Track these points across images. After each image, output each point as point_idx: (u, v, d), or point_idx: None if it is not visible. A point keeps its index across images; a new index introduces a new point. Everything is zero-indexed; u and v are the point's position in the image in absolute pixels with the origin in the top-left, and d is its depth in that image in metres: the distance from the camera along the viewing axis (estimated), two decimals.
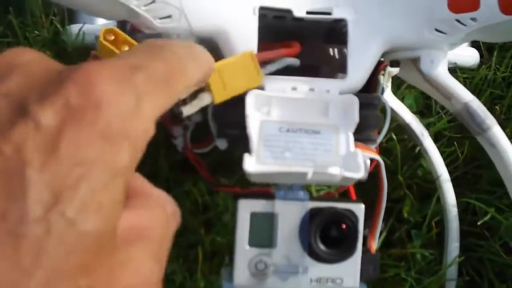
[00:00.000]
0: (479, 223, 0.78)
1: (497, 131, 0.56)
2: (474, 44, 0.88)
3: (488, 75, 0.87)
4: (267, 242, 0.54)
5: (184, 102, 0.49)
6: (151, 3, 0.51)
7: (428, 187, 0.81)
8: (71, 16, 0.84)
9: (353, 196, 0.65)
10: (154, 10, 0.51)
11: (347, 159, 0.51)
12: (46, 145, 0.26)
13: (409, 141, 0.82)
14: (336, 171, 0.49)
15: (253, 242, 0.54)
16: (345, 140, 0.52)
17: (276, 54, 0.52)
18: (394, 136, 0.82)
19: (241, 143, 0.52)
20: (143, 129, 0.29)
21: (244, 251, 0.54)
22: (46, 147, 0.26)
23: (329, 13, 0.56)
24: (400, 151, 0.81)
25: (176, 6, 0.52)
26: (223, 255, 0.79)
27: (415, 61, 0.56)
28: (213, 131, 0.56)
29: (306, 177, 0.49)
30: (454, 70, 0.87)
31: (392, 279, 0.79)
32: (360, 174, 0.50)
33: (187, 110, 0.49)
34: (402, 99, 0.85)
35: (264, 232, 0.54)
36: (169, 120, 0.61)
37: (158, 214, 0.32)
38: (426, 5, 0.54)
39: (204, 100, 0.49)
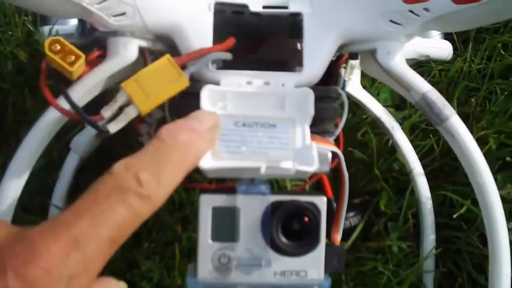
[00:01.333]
0: (455, 215, 0.78)
1: (455, 121, 0.56)
2: (448, 37, 0.87)
3: (463, 67, 0.87)
4: (229, 236, 0.54)
5: (111, 119, 0.49)
6: (103, 1, 0.51)
7: (404, 180, 0.81)
8: (44, 16, 0.84)
9: (327, 188, 0.65)
10: (108, 8, 0.51)
11: (302, 152, 0.51)
12: None
13: (385, 135, 0.81)
14: (288, 165, 0.49)
15: (215, 237, 0.54)
16: (301, 133, 0.52)
17: (199, 53, 0.52)
18: (369, 130, 0.81)
19: None
20: None
21: (207, 246, 0.54)
22: None
23: (285, 7, 0.55)
24: (376, 144, 0.81)
25: (129, 3, 0.52)
26: None
27: (373, 53, 0.56)
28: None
29: (260, 171, 0.49)
30: (429, 62, 0.87)
31: (370, 272, 0.79)
32: (314, 167, 0.49)
33: (113, 127, 0.50)
34: (377, 93, 0.84)
35: (226, 226, 0.54)
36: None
37: None
38: None
39: (130, 113, 0.49)
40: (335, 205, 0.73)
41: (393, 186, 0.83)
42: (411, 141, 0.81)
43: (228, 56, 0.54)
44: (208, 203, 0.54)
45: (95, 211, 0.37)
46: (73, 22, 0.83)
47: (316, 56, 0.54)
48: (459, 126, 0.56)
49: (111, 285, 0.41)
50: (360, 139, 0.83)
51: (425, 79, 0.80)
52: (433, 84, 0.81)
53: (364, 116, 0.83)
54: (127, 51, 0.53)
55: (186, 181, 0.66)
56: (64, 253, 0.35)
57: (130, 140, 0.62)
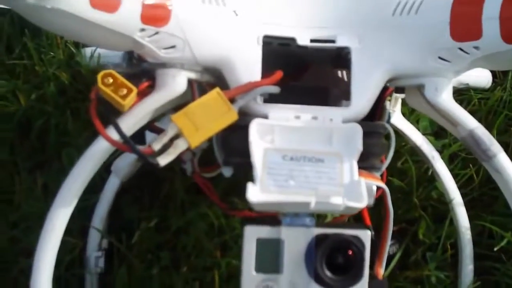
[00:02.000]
0: (496, 248, 0.77)
1: (502, 158, 0.56)
2: None
3: (503, 96, 0.86)
4: (273, 268, 0.54)
5: (161, 151, 0.49)
6: (154, 34, 0.51)
7: (443, 209, 0.80)
8: None
9: (367, 219, 0.65)
10: (158, 41, 0.52)
11: (350, 188, 0.51)
12: None
13: (424, 163, 0.81)
14: (338, 201, 0.49)
15: (259, 268, 0.54)
16: (349, 169, 0.52)
17: (248, 87, 0.52)
18: (408, 158, 0.81)
19: (246, 171, 0.52)
20: None
21: (250, 277, 0.54)
22: None
23: (333, 41, 0.56)
24: (415, 172, 0.81)
25: (180, 36, 0.52)
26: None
27: (420, 88, 0.56)
28: (218, 159, 0.56)
29: (309, 207, 0.49)
30: (468, 90, 0.86)
31: None
32: (363, 203, 0.49)
33: (164, 160, 0.50)
34: (417, 121, 0.84)
35: (270, 258, 0.54)
36: None
37: None
38: (429, 34, 0.54)
39: (180, 146, 0.50)
40: (372, 233, 0.73)
41: (431, 214, 0.82)
42: (451, 170, 0.80)
43: (276, 90, 0.54)
44: (252, 235, 0.54)
45: None
46: None
47: (363, 91, 0.54)
48: (507, 163, 0.55)
49: None
50: (399, 167, 0.83)
51: (465, 107, 0.81)
52: (473, 113, 0.82)
53: (403, 144, 0.83)
54: (176, 83, 0.54)
55: (227, 208, 0.67)
56: None
57: (171, 162, 0.62)
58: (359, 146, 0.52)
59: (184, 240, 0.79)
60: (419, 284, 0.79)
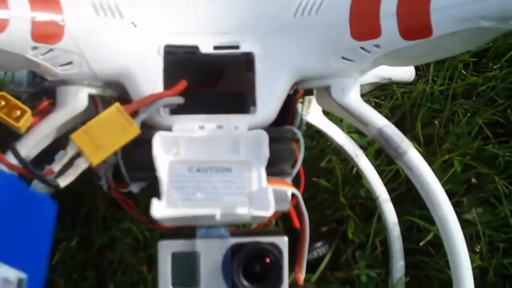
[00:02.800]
0: (422, 243, 0.78)
1: (412, 155, 0.56)
2: None
3: (425, 89, 0.87)
4: (190, 281, 0.54)
5: (60, 172, 0.49)
6: (48, 51, 0.50)
7: (372, 206, 0.81)
8: None
9: (295, 221, 0.65)
10: (53, 58, 0.51)
11: (258, 196, 0.51)
12: None
13: (350, 161, 0.81)
14: (244, 211, 0.49)
15: (176, 283, 0.53)
16: (257, 176, 0.52)
17: (149, 99, 0.52)
18: (333, 157, 0.81)
19: (154, 186, 0.52)
20: None
21: None
22: None
23: (237, 47, 0.55)
24: (340, 172, 0.81)
25: (75, 52, 0.51)
26: None
27: (327, 90, 0.56)
28: (124, 175, 0.55)
29: (215, 219, 0.48)
30: (391, 85, 0.87)
31: None
32: (269, 211, 0.49)
33: (64, 182, 0.49)
34: (340, 120, 0.84)
35: (187, 271, 0.54)
36: None
37: None
38: (330, 35, 0.54)
39: (81, 166, 0.49)
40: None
41: (360, 213, 0.83)
42: (377, 166, 0.81)
43: (179, 100, 0.54)
44: (167, 249, 0.53)
45: None
46: None
47: (269, 96, 0.54)
48: (417, 160, 0.56)
49: None
50: (325, 167, 0.83)
51: (388, 102, 0.82)
52: (396, 106, 0.83)
53: (329, 143, 0.83)
54: (77, 99, 0.53)
55: (147, 221, 0.67)
56: None
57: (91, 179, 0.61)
58: (266, 153, 0.52)
59: (109, 256, 0.78)
60: (349, 284, 0.78)
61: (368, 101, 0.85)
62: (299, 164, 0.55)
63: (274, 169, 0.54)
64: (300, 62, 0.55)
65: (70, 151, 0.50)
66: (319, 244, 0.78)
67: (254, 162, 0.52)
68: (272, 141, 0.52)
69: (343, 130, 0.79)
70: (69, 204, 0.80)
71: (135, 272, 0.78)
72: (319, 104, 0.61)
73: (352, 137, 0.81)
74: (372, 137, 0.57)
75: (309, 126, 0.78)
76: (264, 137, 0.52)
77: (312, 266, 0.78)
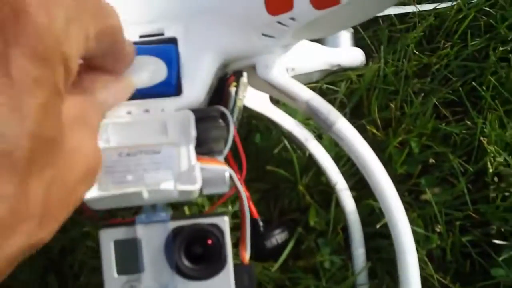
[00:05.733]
0: (378, 225, 0.80)
1: (342, 125, 0.59)
2: (360, 43, 0.90)
3: (379, 72, 0.90)
4: (134, 267, 0.57)
5: None
6: None
7: (333, 193, 0.83)
8: None
9: (254, 212, 0.68)
10: None
11: (186, 173, 0.53)
12: None
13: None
14: (169, 186, 0.52)
15: (120, 270, 0.57)
16: (186, 155, 0.55)
17: None
18: (288, 145, 0.84)
19: None
20: (75, 52, 0.36)
21: (113, 280, 0.57)
22: None
23: (161, 34, 0.58)
24: (297, 160, 0.83)
25: None
26: None
27: (254, 68, 0.59)
28: None
29: (144, 197, 0.51)
30: (345, 69, 0.89)
31: None
32: (196, 186, 0.52)
33: None
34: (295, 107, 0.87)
35: (130, 258, 0.57)
36: None
37: (94, 102, 0.42)
38: (247, 13, 0.57)
39: None
40: (261, 224, 0.76)
41: (321, 200, 0.85)
42: (336, 153, 0.84)
43: None
44: (108, 237, 0.56)
45: None
46: None
47: (194, 78, 0.57)
48: (346, 129, 0.59)
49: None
50: (284, 156, 0.86)
51: (344, 86, 0.85)
52: (352, 90, 0.86)
53: (285, 133, 0.85)
54: None
55: (96, 216, 0.69)
56: None
57: None
58: (192, 132, 0.54)
59: (69, 260, 0.81)
60: (312, 272, 0.81)
61: (321, 88, 0.88)
62: (229, 142, 0.58)
63: (204, 148, 0.56)
64: (223, 42, 0.58)
65: None
66: (277, 231, 0.80)
67: (182, 142, 0.55)
68: (199, 120, 0.55)
69: (298, 117, 0.82)
70: None
71: (97, 274, 0.80)
72: (252, 85, 0.64)
73: (309, 124, 0.83)
74: (303, 112, 0.60)
75: (264, 117, 0.81)
76: (190, 116, 0.55)
77: (273, 254, 0.80)
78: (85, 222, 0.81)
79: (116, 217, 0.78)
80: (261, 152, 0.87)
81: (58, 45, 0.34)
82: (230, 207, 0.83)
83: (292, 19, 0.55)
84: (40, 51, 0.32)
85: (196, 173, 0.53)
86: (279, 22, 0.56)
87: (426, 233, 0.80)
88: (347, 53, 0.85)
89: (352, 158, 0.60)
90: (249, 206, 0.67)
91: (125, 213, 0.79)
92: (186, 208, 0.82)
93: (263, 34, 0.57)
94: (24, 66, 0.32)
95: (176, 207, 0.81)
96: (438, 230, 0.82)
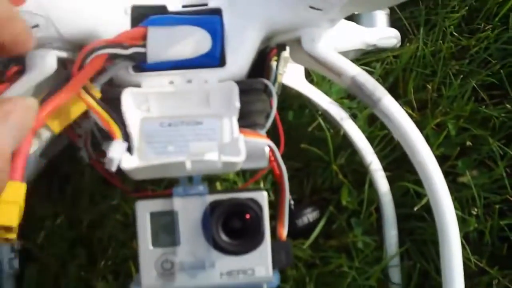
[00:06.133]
0: (416, 208, 0.80)
1: (388, 101, 0.58)
2: (395, 24, 0.89)
3: (417, 53, 0.89)
4: (170, 240, 0.56)
5: None
6: None
7: (366, 172, 0.82)
8: None
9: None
10: None
11: (229, 145, 0.53)
12: None
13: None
14: (214, 157, 0.51)
15: (156, 243, 0.56)
16: (229, 127, 0.54)
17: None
18: (322, 123, 0.83)
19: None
20: None
21: (148, 253, 0.56)
22: None
23: (205, 4, 0.57)
24: (331, 138, 0.82)
25: (41, 14, 0.54)
26: None
27: (299, 42, 0.58)
28: (96, 134, 0.57)
29: (186, 167, 0.50)
30: (383, 50, 0.88)
31: (336, 271, 0.80)
32: (240, 157, 0.51)
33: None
34: (330, 86, 0.86)
35: (166, 231, 0.56)
36: (72, 132, 0.62)
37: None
38: None
39: (43, 135, 0.51)
40: (292, 202, 0.76)
41: (354, 180, 0.85)
42: (370, 132, 0.83)
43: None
44: (145, 209, 0.56)
45: None
46: None
47: (238, 50, 0.56)
48: (392, 106, 0.58)
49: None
50: (317, 135, 0.85)
51: (380, 66, 0.84)
52: (388, 72, 0.85)
53: (319, 112, 0.85)
54: (45, 63, 0.55)
55: (130, 190, 0.69)
56: None
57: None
58: (236, 104, 0.54)
59: (98, 233, 0.81)
60: (344, 252, 0.80)
61: None
62: (272, 115, 0.57)
63: (246, 121, 0.56)
64: (268, 14, 0.57)
65: None
66: (309, 210, 0.80)
67: (225, 114, 0.55)
68: (243, 92, 0.55)
69: (332, 97, 0.81)
70: (56, 183, 0.83)
71: (125, 248, 0.80)
72: (294, 60, 0.63)
73: (343, 103, 0.83)
74: (347, 88, 0.59)
75: (298, 95, 0.80)
76: (234, 88, 0.54)
77: (304, 233, 0.79)
78: (114, 195, 0.81)
79: (146, 190, 0.78)
80: (294, 130, 0.86)
81: None
82: (262, 184, 0.82)
83: None
84: None
85: (240, 145, 0.52)
86: None
87: (463, 215, 0.79)
88: (383, 33, 0.84)
89: (396, 136, 0.59)
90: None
91: (156, 188, 0.79)
92: (218, 184, 0.81)
93: (310, 7, 0.56)
94: None
95: (208, 184, 0.80)
96: (474, 213, 0.81)
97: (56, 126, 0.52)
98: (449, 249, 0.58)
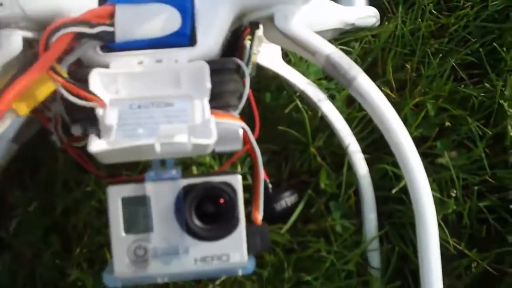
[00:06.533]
0: (393, 190, 0.79)
1: (363, 80, 0.57)
2: (375, 3, 0.88)
3: (396, 32, 0.88)
4: (143, 226, 0.55)
5: None
6: None
7: (344, 155, 0.81)
8: None
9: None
10: None
11: (200, 127, 0.51)
12: None
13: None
14: (183, 139, 0.49)
15: (128, 229, 0.55)
16: (200, 108, 0.53)
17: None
18: (299, 104, 0.82)
19: (94, 126, 0.53)
20: None
21: (120, 239, 0.55)
22: None
23: None
24: (308, 120, 0.81)
25: None
26: None
27: (271, 20, 0.57)
28: (65, 118, 0.56)
29: (156, 150, 0.49)
30: (362, 29, 0.88)
31: (314, 256, 0.79)
32: (211, 139, 0.50)
33: None
34: (307, 66, 0.85)
35: (138, 216, 0.55)
36: (42, 115, 0.61)
37: None
38: None
39: (7, 117, 0.49)
40: (270, 186, 0.75)
41: (332, 162, 0.84)
42: (349, 114, 0.82)
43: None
44: (116, 194, 0.55)
45: None
46: None
47: (209, 29, 0.55)
48: (367, 84, 0.57)
49: None
50: (295, 117, 0.84)
51: (358, 46, 0.83)
52: (367, 52, 0.84)
53: (297, 93, 0.84)
54: (10, 43, 0.54)
55: (104, 176, 0.68)
56: None
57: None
58: (207, 84, 0.53)
59: (73, 220, 0.80)
60: (323, 236, 0.79)
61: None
62: (245, 96, 0.56)
63: (219, 102, 0.54)
64: None
65: None
66: (287, 193, 0.79)
67: (196, 94, 0.53)
68: (215, 72, 0.53)
69: (310, 77, 0.80)
70: (28, 169, 0.81)
71: (100, 235, 0.79)
72: (268, 39, 0.62)
73: (321, 84, 0.82)
74: (321, 67, 0.58)
75: (275, 76, 0.79)
76: (205, 68, 0.53)
77: (282, 217, 0.79)
78: (89, 181, 0.80)
79: (121, 175, 0.76)
80: (271, 112, 0.85)
81: None
82: (239, 168, 0.81)
83: None
84: None
85: (212, 127, 0.51)
86: None
87: (442, 197, 0.79)
88: (361, 12, 0.83)
89: (371, 115, 0.58)
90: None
91: (131, 173, 0.78)
92: (194, 169, 0.80)
93: None
94: None
95: (184, 168, 0.79)
96: (453, 195, 0.80)
97: (23, 109, 0.51)
98: (426, 231, 0.58)
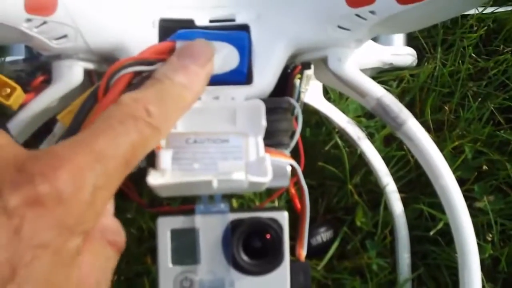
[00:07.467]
0: (431, 232, 0.80)
1: (412, 124, 0.58)
2: (412, 43, 0.90)
3: (434, 72, 0.89)
4: (190, 258, 0.56)
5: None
6: (42, 24, 0.53)
7: (381, 193, 0.83)
8: None
9: (297, 204, 0.67)
10: (48, 31, 0.54)
11: (255, 164, 0.53)
12: (10, 227, 0.33)
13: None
14: (241, 177, 0.51)
15: (176, 260, 0.56)
16: (254, 146, 0.54)
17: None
18: (339, 141, 0.83)
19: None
20: (94, 217, 0.38)
21: (167, 270, 0.56)
22: (10, 229, 0.33)
23: (232, 20, 0.58)
24: (347, 157, 0.83)
25: (70, 25, 0.54)
26: None
27: (324, 61, 0.58)
28: None
29: (213, 186, 0.51)
30: (397, 69, 0.89)
31: None
32: (267, 178, 0.51)
33: None
34: (347, 104, 0.86)
35: (186, 248, 0.56)
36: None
37: (102, 256, 0.45)
38: (325, 3, 0.57)
39: None
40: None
41: (369, 200, 0.85)
42: (387, 152, 0.83)
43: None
44: (166, 226, 0.56)
45: (111, 134, 0.40)
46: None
47: (265, 67, 0.56)
48: (417, 129, 0.58)
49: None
50: (333, 153, 0.85)
51: (397, 86, 0.84)
52: (405, 90, 0.85)
53: (336, 129, 0.85)
54: (72, 74, 0.56)
55: (146, 204, 0.69)
56: (89, 164, 0.37)
57: None
58: (263, 122, 0.54)
59: None
60: (358, 274, 0.80)
61: None
62: (297, 135, 0.57)
63: (272, 140, 0.56)
64: (296, 32, 0.57)
65: (57, 132, 0.52)
66: (322, 229, 0.80)
67: (251, 132, 0.55)
68: (269, 111, 0.55)
69: (349, 115, 0.82)
70: None
71: (139, 263, 0.80)
72: (318, 78, 0.64)
73: (361, 122, 0.83)
74: (371, 109, 0.59)
75: (315, 112, 0.80)
76: (261, 106, 0.54)
77: (317, 252, 0.80)
78: (130, 208, 0.81)
79: (162, 205, 0.78)
80: (310, 147, 0.86)
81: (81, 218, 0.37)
82: (276, 202, 0.82)
83: (372, 12, 0.55)
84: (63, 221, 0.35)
85: (267, 165, 0.52)
86: (357, 15, 0.56)
87: (479, 241, 0.79)
88: (400, 52, 0.85)
89: (419, 159, 0.60)
90: (296, 202, 0.67)
91: (171, 203, 0.79)
92: (234, 201, 0.82)
93: (339, 26, 0.57)
94: (36, 228, 0.34)
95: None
96: (489, 239, 0.81)
97: None
98: (469, 275, 0.59)
